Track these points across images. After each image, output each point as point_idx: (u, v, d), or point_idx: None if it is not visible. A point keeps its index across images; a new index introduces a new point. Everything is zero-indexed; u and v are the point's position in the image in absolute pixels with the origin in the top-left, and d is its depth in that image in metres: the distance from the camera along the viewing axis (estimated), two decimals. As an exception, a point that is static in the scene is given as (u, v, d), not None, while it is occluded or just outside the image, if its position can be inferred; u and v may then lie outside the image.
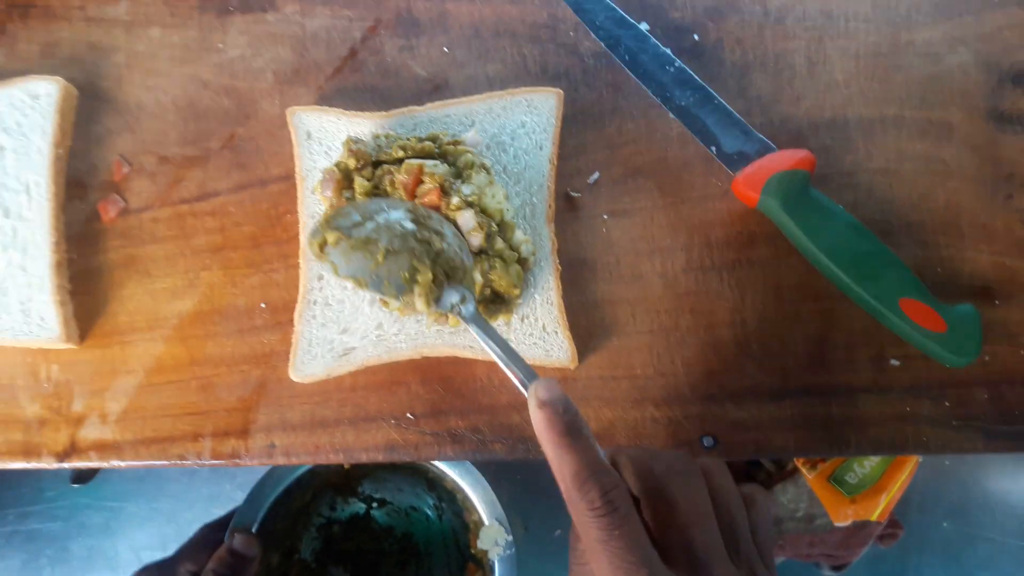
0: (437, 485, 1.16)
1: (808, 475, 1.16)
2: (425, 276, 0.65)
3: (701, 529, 0.53)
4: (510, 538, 1.04)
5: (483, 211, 0.70)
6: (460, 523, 1.16)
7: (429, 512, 1.23)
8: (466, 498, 1.07)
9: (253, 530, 0.99)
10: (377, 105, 0.79)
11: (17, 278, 0.75)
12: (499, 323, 0.74)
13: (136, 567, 0.97)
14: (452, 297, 0.67)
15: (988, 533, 1.40)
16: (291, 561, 1.14)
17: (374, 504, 1.24)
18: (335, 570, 1.20)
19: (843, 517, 1.14)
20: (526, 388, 0.60)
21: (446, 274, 0.67)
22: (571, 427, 0.54)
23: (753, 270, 0.77)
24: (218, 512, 1.08)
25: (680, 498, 0.53)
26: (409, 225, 0.66)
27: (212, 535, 1.00)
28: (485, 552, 1.06)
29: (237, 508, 1.03)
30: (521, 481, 1.37)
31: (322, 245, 0.65)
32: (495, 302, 0.72)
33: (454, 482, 1.07)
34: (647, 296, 0.76)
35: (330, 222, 0.65)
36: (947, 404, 0.76)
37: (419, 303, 0.66)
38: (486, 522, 1.04)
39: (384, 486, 1.23)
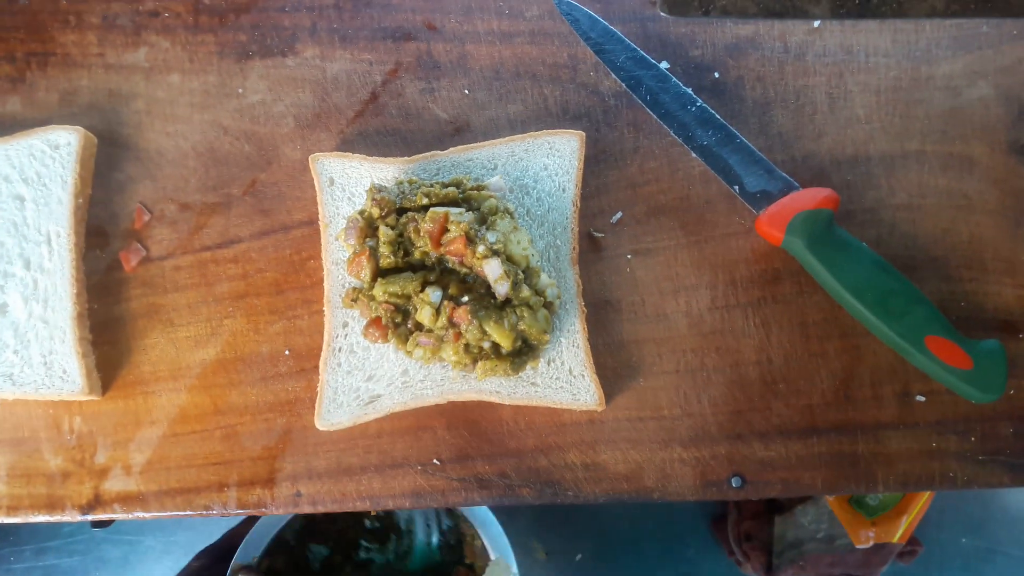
0: None
1: (829, 497, 1.16)
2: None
3: None
4: (515, 572, 1.04)
5: (509, 258, 0.70)
6: (452, 523, 1.17)
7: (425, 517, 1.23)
8: (465, 517, 1.08)
9: (254, 563, 0.98)
10: (399, 148, 0.79)
11: (39, 331, 0.75)
12: (527, 370, 0.74)
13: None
14: None
15: (1007, 548, 1.40)
16: (300, 565, 1.14)
17: None
18: (316, 547, 1.20)
19: (864, 539, 1.15)
20: None
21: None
22: None
23: (778, 307, 0.77)
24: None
25: None
26: None
27: (210, 566, 0.98)
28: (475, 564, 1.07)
29: (234, 533, 1.01)
30: (539, 510, 1.37)
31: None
32: (522, 352, 0.72)
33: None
34: (673, 335, 0.76)
35: None
36: (973, 439, 0.75)
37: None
38: (491, 555, 1.04)
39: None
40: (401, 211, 0.72)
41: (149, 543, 1.38)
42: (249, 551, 0.99)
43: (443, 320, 0.69)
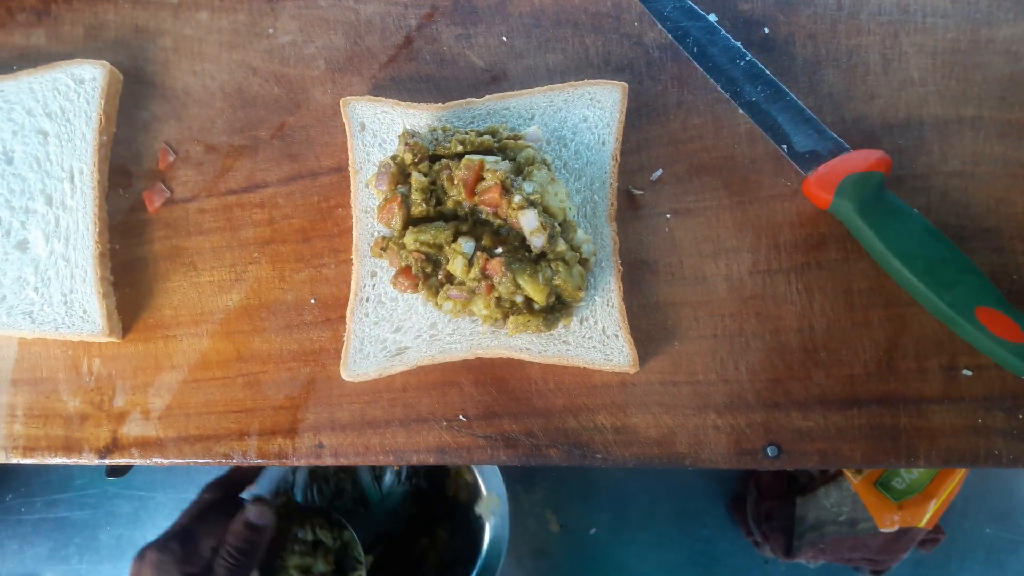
0: None
1: (853, 479, 1.14)
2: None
3: None
4: (505, 509, 1.04)
5: (545, 210, 0.68)
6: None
7: None
8: None
9: (269, 497, 0.95)
10: (433, 96, 0.76)
11: (60, 269, 0.73)
12: (559, 327, 0.71)
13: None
14: None
15: (1031, 540, 1.37)
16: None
17: None
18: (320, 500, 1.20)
19: (889, 523, 1.12)
20: None
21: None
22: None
23: (822, 274, 0.74)
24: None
25: None
26: None
27: (220, 499, 0.94)
28: (479, 516, 1.07)
29: (239, 468, 0.99)
30: (556, 479, 1.35)
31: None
32: (555, 309, 0.69)
33: None
34: (711, 299, 0.73)
35: None
36: (1021, 416, 0.72)
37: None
38: (483, 490, 1.04)
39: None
40: (434, 158, 0.70)
41: (161, 499, 1.37)
42: (263, 484, 0.97)
43: (475, 272, 0.67)
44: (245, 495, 0.94)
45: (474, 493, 1.09)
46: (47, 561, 1.38)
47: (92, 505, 1.38)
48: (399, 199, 0.69)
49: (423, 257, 0.68)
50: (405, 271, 0.69)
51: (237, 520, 0.88)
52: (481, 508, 1.07)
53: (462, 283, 0.68)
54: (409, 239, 0.68)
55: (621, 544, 1.32)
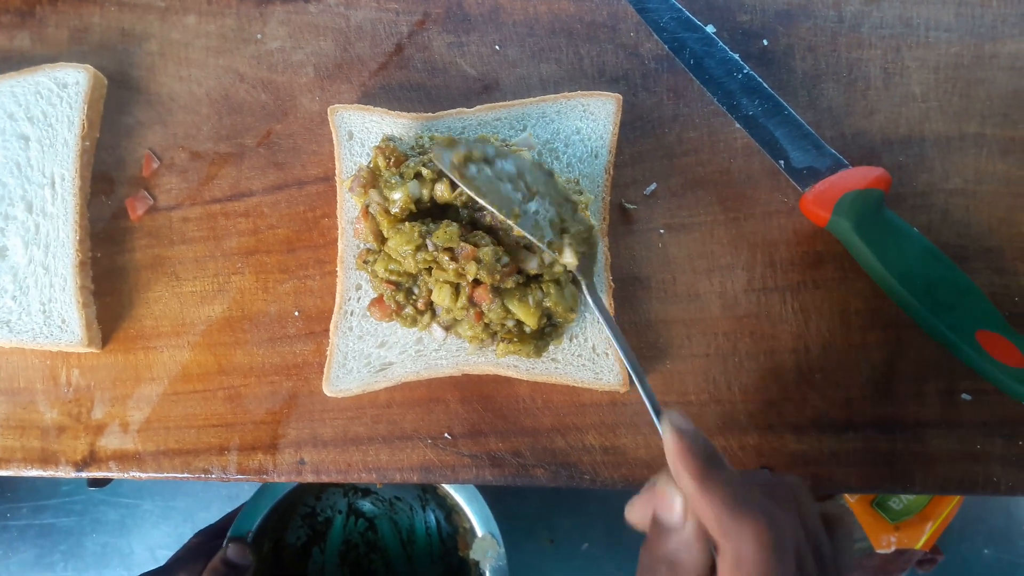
0: (427, 487, 1.13)
1: (850, 499, 1.11)
2: (579, 225, 0.64)
3: (799, 560, 0.48)
4: (502, 551, 1.01)
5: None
6: (444, 513, 1.13)
7: (413, 502, 1.20)
8: (456, 503, 1.04)
9: (249, 538, 0.97)
10: (423, 105, 0.75)
11: (39, 277, 0.71)
12: (549, 349, 0.69)
13: (151, 566, 0.94)
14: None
15: (1030, 562, 1.35)
16: (281, 547, 1.12)
17: (358, 492, 1.20)
18: (316, 553, 1.17)
19: (885, 544, 1.10)
20: (656, 414, 0.56)
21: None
22: (712, 458, 0.50)
23: (818, 293, 0.72)
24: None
25: (788, 527, 0.49)
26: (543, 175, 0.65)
27: (206, 543, 0.98)
28: (476, 562, 1.03)
29: (234, 515, 1.00)
30: (549, 493, 1.33)
31: (461, 162, 0.61)
32: (545, 332, 0.67)
33: (444, 489, 1.04)
34: (704, 317, 0.72)
35: (463, 144, 0.63)
36: (1020, 443, 0.71)
37: (568, 255, 0.64)
38: (479, 533, 1.01)
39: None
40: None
41: (147, 507, 1.36)
42: (243, 525, 0.97)
43: (462, 301, 0.65)
44: (228, 536, 0.95)
45: (470, 539, 1.06)
46: (32, 568, 1.37)
47: (78, 512, 1.37)
48: (365, 210, 0.67)
49: (394, 287, 0.66)
50: (378, 301, 0.68)
51: (216, 558, 0.89)
52: (476, 553, 1.04)
53: (449, 310, 0.66)
54: (380, 267, 0.66)
55: (614, 559, 1.29)
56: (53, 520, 1.37)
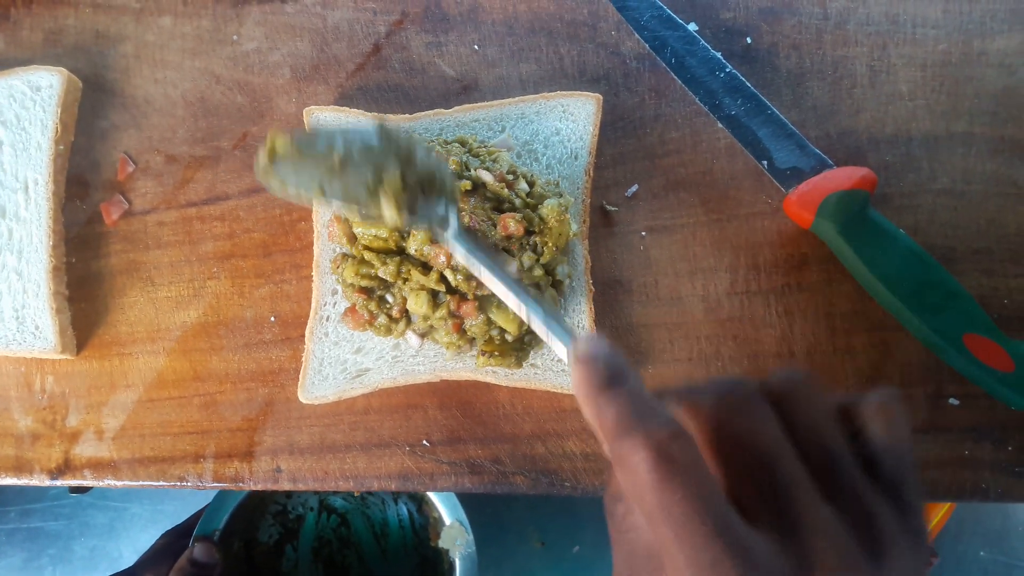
0: None
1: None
2: (393, 177, 0.54)
3: (779, 471, 0.39)
4: (470, 538, 1.00)
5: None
6: (415, 504, 1.13)
7: (385, 496, 1.19)
8: (424, 494, 1.04)
9: (216, 537, 0.96)
10: (401, 106, 0.74)
11: (12, 283, 0.70)
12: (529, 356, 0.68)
13: (137, 570, 0.94)
14: (434, 209, 0.56)
15: (1027, 564, 1.34)
16: (252, 546, 1.12)
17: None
18: (290, 551, 1.17)
19: (879, 548, 1.09)
20: (564, 346, 0.49)
21: (422, 187, 0.57)
22: (612, 377, 0.40)
23: (803, 296, 0.71)
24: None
25: (744, 435, 0.40)
26: (375, 141, 0.56)
27: (173, 543, 0.98)
28: (446, 551, 1.03)
29: (199, 514, 0.99)
30: (537, 497, 1.32)
31: (272, 154, 0.55)
32: (524, 342, 0.66)
33: None
34: (687, 321, 0.70)
35: (285, 134, 0.56)
36: (1010, 449, 0.69)
37: (387, 211, 0.54)
38: (447, 521, 1.00)
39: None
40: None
41: (135, 511, 1.35)
42: (209, 523, 0.97)
43: (443, 311, 0.64)
44: (194, 536, 0.94)
45: (439, 527, 1.06)
46: (20, 571, 1.36)
47: (67, 516, 1.36)
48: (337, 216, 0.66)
49: (366, 296, 0.65)
50: (351, 311, 0.66)
51: (182, 557, 0.88)
52: (444, 542, 1.03)
53: (426, 317, 0.65)
54: (348, 272, 0.65)
55: (605, 562, 1.28)
56: (41, 524, 1.36)
